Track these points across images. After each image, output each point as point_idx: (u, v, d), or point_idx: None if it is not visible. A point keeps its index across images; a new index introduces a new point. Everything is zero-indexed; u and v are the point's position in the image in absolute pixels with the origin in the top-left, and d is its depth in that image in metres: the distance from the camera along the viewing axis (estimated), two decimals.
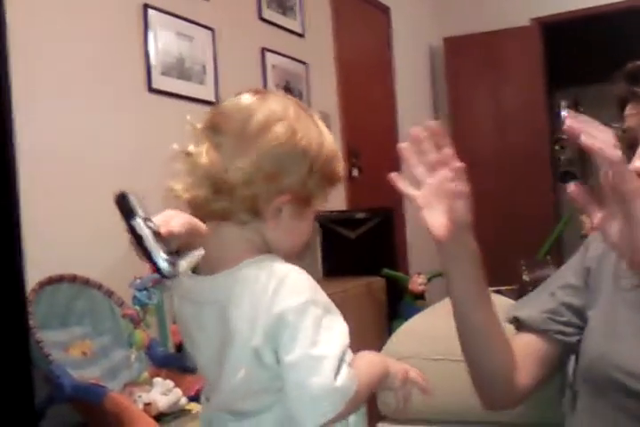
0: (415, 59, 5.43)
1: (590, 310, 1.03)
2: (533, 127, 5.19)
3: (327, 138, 0.87)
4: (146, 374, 2.04)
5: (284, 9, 3.77)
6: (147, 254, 0.74)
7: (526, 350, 1.05)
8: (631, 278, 0.97)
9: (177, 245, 0.75)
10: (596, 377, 0.98)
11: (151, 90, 2.78)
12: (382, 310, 3.75)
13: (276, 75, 3.63)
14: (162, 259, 0.74)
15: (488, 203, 5.28)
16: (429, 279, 3.75)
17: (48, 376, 1.87)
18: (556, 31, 5.28)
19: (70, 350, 2.03)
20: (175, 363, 2.09)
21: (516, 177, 5.28)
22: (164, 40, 2.86)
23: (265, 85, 3.54)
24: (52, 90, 2.35)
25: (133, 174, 2.48)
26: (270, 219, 0.82)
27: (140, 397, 1.89)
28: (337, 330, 0.79)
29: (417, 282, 3.76)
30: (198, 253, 0.77)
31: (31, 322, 1.83)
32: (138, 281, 2.09)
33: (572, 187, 0.72)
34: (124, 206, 0.75)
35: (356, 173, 4.30)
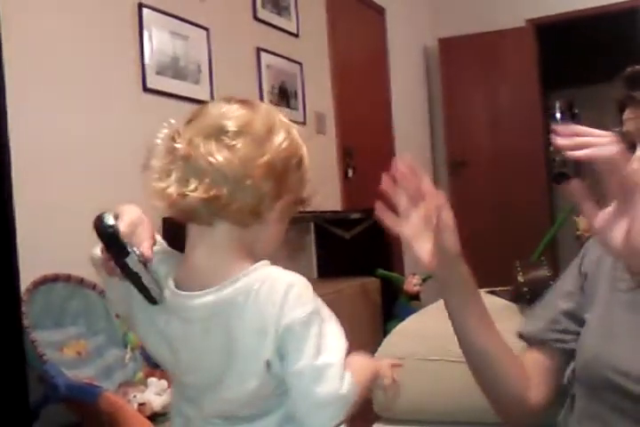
0: (410, 59, 5.44)
1: (587, 313, 1.03)
2: (528, 128, 5.20)
3: (304, 147, 0.89)
4: (140, 374, 2.03)
5: (279, 9, 3.77)
6: (141, 288, 0.79)
7: (534, 365, 1.05)
8: (628, 281, 0.98)
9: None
10: (591, 378, 0.98)
11: (146, 89, 2.78)
12: (377, 310, 3.75)
13: (270, 74, 3.63)
14: (154, 291, 0.79)
15: (482, 203, 5.31)
16: (424, 280, 3.76)
17: (42, 376, 1.87)
18: (550, 32, 5.30)
19: (65, 349, 2.02)
20: None
21: (510, 178, 5.30)
22: (159, 39, 2.86)
23: (260, 85, 3.54)
24: (45, 89, 2.35)
25: (129, 174, 2.47)
26: (271, 220, 0.84)
27: (134, 397, 1.89)
28: (337, 337, 0.81)
29: (412, 283, 3.76)
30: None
31: (26, 322, 1.83)
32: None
33: (571, 183, 0.73)
34: (114, 242, 0.77)
35: (350, 173, 4.30)
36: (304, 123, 3.88)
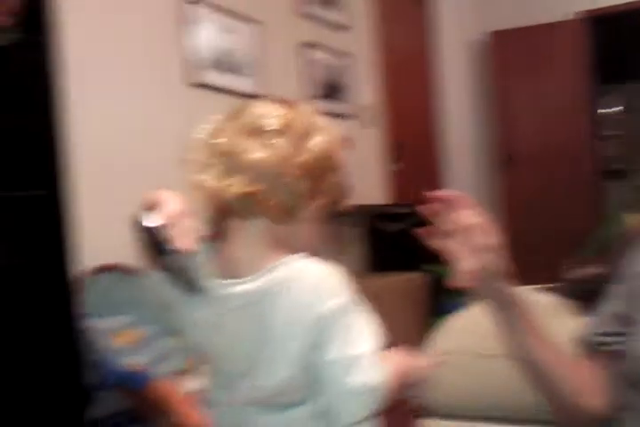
0: (459, 52, 5.37)
1: (638, 313, 1.01)
2: (577, 124, 5.09)
3: (340, 151, 0.90)
4: (190, 363, 2.07)
5: (328, 2, 3.77)
6: (180, 280, 0.82)
7: (592, 371, 1.04)
8: None
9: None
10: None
11: (194, 84, 2.81)
12: (425, 305, 3.73)
13: (318, 68, 3.64)
14: (193, 282, 0.82)
15: (531, 198, 5.22)
16: None
17: (96, 363, 1.92)
18: (602, 25, 5.16)
19: (118, 337, 2.07)
20: None
21: (559, 173, 5.20)
22: (207, 34, 2.89)
23: (308, 79, 3.54)
24: (100, 84, 2.40)
25: (177, 165, 2.52)
26: (305, 219, 0.86)
27: (184, 385, 1.93)
28: (370, 329, 0.83)
29: (460, 278, 3.72)
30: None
31: (81, 310, 1.88)
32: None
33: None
34: (153, 243, 0.79)
35: (398, 167, 4.28)
36: (352, 116, 3.88)
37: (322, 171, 0.84)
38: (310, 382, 0.83)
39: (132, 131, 2.52)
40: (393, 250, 3.81)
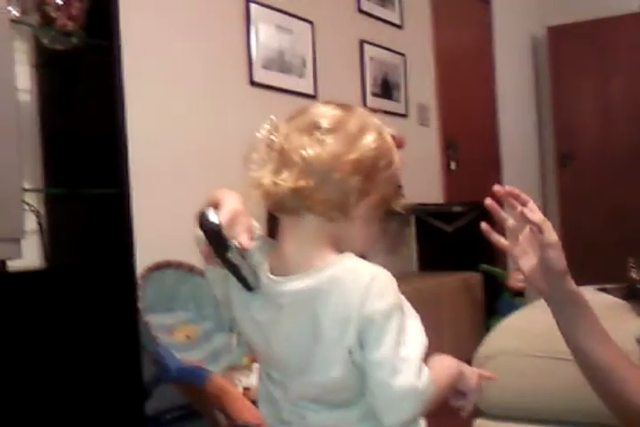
0: (517, 49, 5.28)
1: None
2: None
3: (394, 150, 0.91)
4: (246, 359, 2.10)
5: (383, 0, 3.76)
6: (239, 277, 0.85)
7: None
8: None
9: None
10: None
11: (253, 83, 2.85)
12: (479, 306, 3.69)
13: (374, 67, 3.63)
14: (251, 279, 0.85)
15: (592, 198, 5.10)
16: None
17: (155, 358, 1.96)
18: None
19: (175, 333, 2.12)
20: None
21: (621, 171, 5.06)
22: (265, 34, 2.92)
23: (363, 77, 3.55)
24: (160, 83, 2.45)
25: (236, 164, 2.55)
26: (357, 217, 0.86)
27: (240, 381, 1.95)
28: (418, 332, 0.84)
29: (516, 278, 3.66)
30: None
31: (140, 305, 1.93)
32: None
33: None
34: (216, 238, 0.82)
35: (453, 165, 4.24)
36: (406, 115, 3.86)
37: (373, 169, 0.85)
38: (361, 383, 0.83)
39: (193, 130, 2.56)
40: (448, 249, 3.77)
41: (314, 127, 0.85)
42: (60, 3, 1.82)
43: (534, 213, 0.94)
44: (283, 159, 0.84)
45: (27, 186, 1.82)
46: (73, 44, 1.86)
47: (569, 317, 0.97)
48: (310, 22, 3.17)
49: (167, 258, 2.20)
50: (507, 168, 4.86)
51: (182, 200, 2.46)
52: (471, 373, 0.94)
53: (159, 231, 2.28)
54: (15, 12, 1.76)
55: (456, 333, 3.18)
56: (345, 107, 0.89)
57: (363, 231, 0.89)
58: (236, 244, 0.83)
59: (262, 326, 0.88)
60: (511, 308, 2.65)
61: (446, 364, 0.90)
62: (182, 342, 2.11)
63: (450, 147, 4.21)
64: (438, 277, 3.48)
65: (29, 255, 1.79)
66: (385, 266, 0.85)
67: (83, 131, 1.93)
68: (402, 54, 3.85)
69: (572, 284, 0.96)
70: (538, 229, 0.93)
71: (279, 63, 3.00)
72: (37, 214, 1.91)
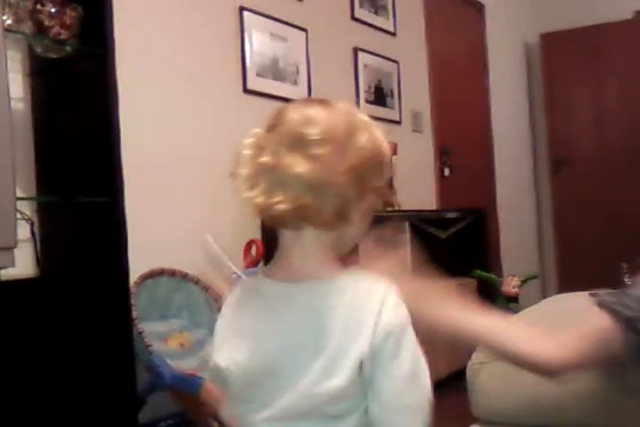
0: (510, 56, 5.30)
1: None
2: (635, 126, 4.96)
3: (385, 143, 0.89)
4: None
5: (377, 8, 3.77)
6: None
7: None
8: None
9: None
10: None
11: (246, 90, 2.86)
12: None
13: (367, 74, 3.64)
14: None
15: (585, 203, 5.11)
16: (524, 282, 3.66)
17: (149, 366, 1.96)
18: None
19: (169, 341, 2.11)
20: None
21: (615, 176, 5.08)
22: (259, 41, 2.93)
23: (357, 84, 3.56)
24: (154, 91, 2.45)
25: (228, 172, 2.55)
26: (358, 220, 0.86)
27: None
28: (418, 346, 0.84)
29: (510, 284, 3.67)
30: None
31: (133, 313, 1.92)
32: (234, 276, 2.15)
33: None
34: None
35: (447, 172, 4.25)
36: (400, 122, 3.86)
37: (369, 170, 0.84)
38: (361, 393, 0.82)
39: (186, 136, 2.56)
40: (442, 255, 3.77)
41: (301, 141, 0.81)
42: (54, 11, 1.82)
43: None
44: (275, 179, 0.81)
45: (20, 194, 1.81)
46: (66, 53, 1.87)
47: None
48: (304, 30, 3.18)
49: (160, 266, 2.20)
50: (500, 174, 4.87)
51: (176, 208, 2.46)
52: None
53: (152, 239, 2.28)
54: (9, 21, 1.77)
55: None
56: (326, 105, 0.86)
57: (360, 229, 0.89)
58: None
59: (256, 338, 0.86)
60: (504, 313, 2.65)
61: None
62: (176, 350, 2.11)
63: (444, 153, 4.22)
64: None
65: (22, 264, 1.79)
66: None
67: (76, 139, 1.93)
68: (395, 61, 3.86)
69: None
70: None
71: (273, 71, 3.00)
72: (30, 223, 1.91)
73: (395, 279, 0.86)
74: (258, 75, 2.92)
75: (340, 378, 0.81)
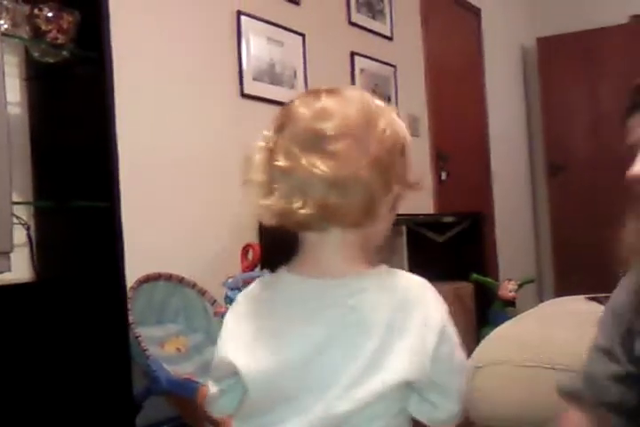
0: (507, 60, 5.32)
1: None
2: None
3: (402, 125, 0.84)
4: None
5: (374, 12, 3.78)
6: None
7: None
8: None
9: None
10: None
11: (243, 95, 2.86)
12: (470, 316, 3.69)
13: (364, 78, 3.65)
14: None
15: (582, 208, 5.12)
16: (520, 286, 3.66)
17: (145, 370, 1.96)
18: None
19: (166, 345, 2.11)
20: None
21: (612, 182, 5.08)
22: (256, 46, 2.93)
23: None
24: (150, 95, 2.45)
25: (227, 178, 2.56)
26: (386, 214, 0.82)
27: None
28: None
29: (507, 288, 3.67)
30: None
31: (130, 318, 1.92)
32: (230, 280, 2.15)
33: None
34: None
35: (444, 176, 4.25)
36: None
37: (393, 159, 0.79)
38: (400, 395, 0.78)
39: (183, 141, 2.56)
40: (439, 259, 3.78)
41: (315, 138, 0.75)
42: (51, 15, 1.82)
43: None
44: (293, 182, 0.75)
45: (16, 199, 1.81)
46: (63, 57, 1.87)
47: None
48: (301, 34, 3.18)
49: (157, 270, 2.20)
50: (497, 178, 4.88)
51: (173, 213, 2.46)
52: None
53: (149, 244, 2.27)
54: (5, 25, 1.77)
55: None
56: (337, 95, 0.80)
57: (388, 224, 0.85)
58: None
59: (285, 338, 0.79)
60: (502, 318, 2.65)
61: None
62: (173, 355, 2.11)
63: (440, 157, 4.23)
64: None
65: (19, 269, 1.78)
66: None
67: (73, 144, 1.93)
68: (392, 66, 3.87)
69: None
70: None
71: (270, 75, 3.01)
72: (27, 227, 1.91)
73: None
74: (255, 79, 2.92)
75: (383, 382, 0.75)
